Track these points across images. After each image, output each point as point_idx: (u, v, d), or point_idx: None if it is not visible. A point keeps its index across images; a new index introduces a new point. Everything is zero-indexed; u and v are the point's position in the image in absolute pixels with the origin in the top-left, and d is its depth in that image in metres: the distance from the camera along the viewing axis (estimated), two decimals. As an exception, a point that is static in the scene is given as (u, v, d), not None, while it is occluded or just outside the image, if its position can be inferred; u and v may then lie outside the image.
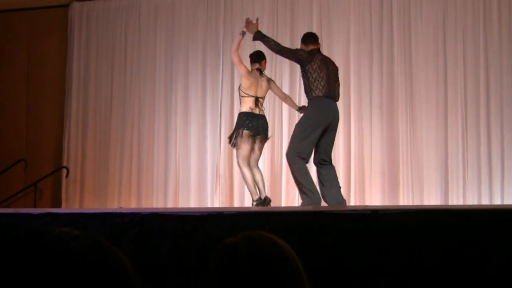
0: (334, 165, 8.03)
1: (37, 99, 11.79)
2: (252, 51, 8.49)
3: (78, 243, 1.25)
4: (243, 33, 8.06)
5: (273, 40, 7.99)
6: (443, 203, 9.53)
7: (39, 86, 11.81)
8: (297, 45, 9.97)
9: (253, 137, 8.06)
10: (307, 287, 1.77)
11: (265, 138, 8.14)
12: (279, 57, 8.97)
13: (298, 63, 7.94)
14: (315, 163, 7.87)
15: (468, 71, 9.82)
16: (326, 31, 10.39)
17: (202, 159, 10.78)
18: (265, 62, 8.34)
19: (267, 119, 8.31)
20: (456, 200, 9.58)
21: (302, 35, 8.29)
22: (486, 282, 1.61)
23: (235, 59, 8.23)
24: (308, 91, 7.79)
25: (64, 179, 11.25)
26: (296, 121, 8.36)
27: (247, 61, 8.35)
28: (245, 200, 10.40)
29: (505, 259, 1.61)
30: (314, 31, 10.17)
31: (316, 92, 7.71)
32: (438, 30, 10.02)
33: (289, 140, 7.92)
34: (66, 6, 11.84)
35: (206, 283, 1.73)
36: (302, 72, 7.88)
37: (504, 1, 9.80)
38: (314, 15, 10.53)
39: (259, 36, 7.89)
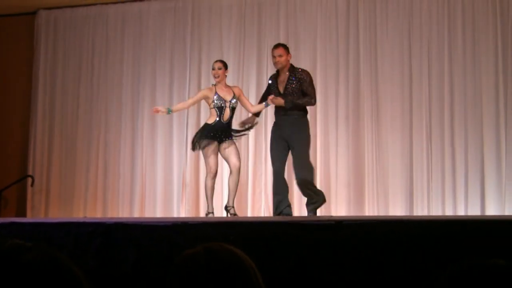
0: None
1: (2, 107, 11.68)
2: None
3: (30, 256, 1.23)
4: (267, 105, 8.25)
5: (303, 101, 8.05)
6: (408, 214, 9.58)
7: (5, 93, 11.70)
8: (264, 53, 10.04)
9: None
10: (266, 299, 1.78)
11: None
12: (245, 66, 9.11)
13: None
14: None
15: (433, 82, 9.91)
16: (293, 41, 10.41)
17: (169, 168, 10.76)
18: None
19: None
20: (421, 210, 9.64)
21: (285, 45, 8.35)
22: None
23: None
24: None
25: (29, 188, 11.15)
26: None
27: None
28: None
29: (455, 272, 1.63)
30: (281, 40, 10.24)
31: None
32: (403, 41, 10.10)
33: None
34: (33, 13, 11.75)
35: (165, 295, 1.73)
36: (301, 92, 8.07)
37: (468, 13, 9.90)
38: (281, 24, 10.56)
39: (289, 104, 7.97)
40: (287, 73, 8.08)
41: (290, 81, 8.02)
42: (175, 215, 10.45)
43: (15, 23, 11.88)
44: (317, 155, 10.08)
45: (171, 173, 10.73)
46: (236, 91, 8.40)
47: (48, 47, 11.60)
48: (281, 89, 8.03)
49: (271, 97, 7.98)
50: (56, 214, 10.95)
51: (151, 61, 11.11)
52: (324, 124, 10.18)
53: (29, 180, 11.14)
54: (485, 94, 9.69)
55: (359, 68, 10.20)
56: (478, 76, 9.75)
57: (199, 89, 10.76)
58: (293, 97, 7.95)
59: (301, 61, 10.20)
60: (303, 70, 8.23)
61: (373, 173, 9.91)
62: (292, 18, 10.55)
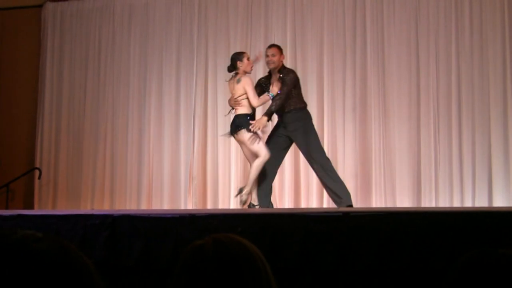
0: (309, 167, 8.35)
1: (9, 100, 11.69)
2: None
3: (41, 245, 1.24)
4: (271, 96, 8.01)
5: (276, 102, 7.94)
6: (415, 205, 9.57)
7: (12, 86, 11.71)
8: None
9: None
10: (274, 289, 1.77)
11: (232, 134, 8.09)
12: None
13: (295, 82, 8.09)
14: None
15: (440, 74, 9.88)
16: (300, 34, 10.41)
17: (176, 160, 10.76)
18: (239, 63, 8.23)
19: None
20: (429, 202, 9.63)
21: (279, 46, 8.29)
22: (450, 282, 1.63)
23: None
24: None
25: (36, 180, 11.17)
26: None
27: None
28: (218, 202, 10.41)
29: (468, 260, 1.63)
30: (288, 34, 10.24)
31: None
32: (410, 33, 10.08)
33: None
34: (40, 6, 11.75)
35: (173, 285, 1.73)
36: (295, 89, 8.09)
37: (475, 4, 9.88)
38: (288, 17, 10.54)
39: (270, 116, 7.98)
40: (278, 73, 8.06)
41: (280, 80, 8.00)
42: (182, 207, 10.46)
43: (22, 15, 11.88)
44: (325, 147, 10.04)
45: (178, 165, 10.74)
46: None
47: (55, 40, 11.60)
48: (273, 87, 8.01)
49: (251, 127, 7.91)
50: (64, 207, 10.96)
51: (158, 53, 11.10)
52: (331, 116, 10.17)
53: (37, 172, 11.16)
54: (493, 84, 9.67)
55: (366, 59, 10.18)
56: (485, 67, 9.73)
57: (206, 81, 10.78)
58: (270, 107, 7.96)
59: (308, 54, 10.22)
60: (289, 69, 8.22)
61: (380, 164, 9.90)
62: (299, 11, 10.53)
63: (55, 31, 11.63)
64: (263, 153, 7.95)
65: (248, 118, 7.95)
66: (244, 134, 7.92)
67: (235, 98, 7.97)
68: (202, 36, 10.93)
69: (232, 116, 8.04)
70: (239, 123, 7.93)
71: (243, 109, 7.99)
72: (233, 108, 8.13)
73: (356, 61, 10.23)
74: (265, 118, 7.89)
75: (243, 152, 8.19)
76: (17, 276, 1.19)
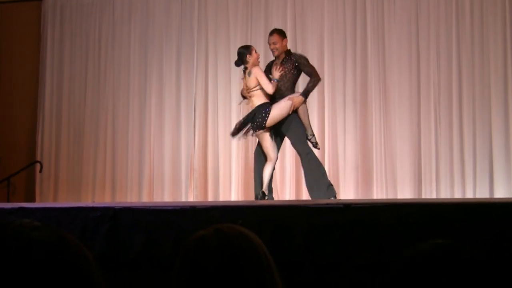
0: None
1: (9, 94, 11.68)
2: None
3: (39, 234, 1.24)
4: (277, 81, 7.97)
5: (311, 84, 8.00)
6: (416, 197, 9.57)
7: (12, 80, 11.70)
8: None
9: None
10: (277, 280, 1.77)
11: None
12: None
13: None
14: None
15: (441, 66, 9.88)
16: (300, 26, 10.40)
17: (177, 153, 10.76)
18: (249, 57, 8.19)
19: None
20: (430, 193, 9.63)
21: (280, 31, 8.27)
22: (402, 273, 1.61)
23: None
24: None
25: (37, 174, 11.17)
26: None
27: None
28: (219, 194, 10.40)
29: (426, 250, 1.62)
30: (288, 26, 10.21)
31: None
32: (411, 25, 10.06)
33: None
34: (40, 0, 11.74)
35: (175, 276, 1.72)
36: (296, 75, 8.06)
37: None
38: (288, 9, 10.53)
39: (306, 96, 7.98)
40: (283, 55, 8.05)
41: (283, 64, 7.97)
42: (183, 199, 10.46)
43: (22, 9, 11.86)
44: (325, 139, 10.07)
45: (179, 157, 10.74)
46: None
47: (55, 34, 11.59)
48: (274, 72, 7.99)
49: (292, 101, 7.88)
50: (65, 200, 10.96)
51: (158, 47, 11.09)
52: (332, 108, 10.16)
53: (38, 166, 11.15)
54: (493, 76, 9.66)
55: (366, 51, 10.17)
56: (486, 58, 9.72)
57: (206, 74, 10.76)
58: (306, 87, 7.97)
59: (308, 46, 10.19)
60: (296, 54, 8.17)
61: (381, 156, 9.90)
62: (299, 3, 10.51)
63: (55, 25, 11.60)
64: (273, 157, 7.95)
65: (270, 106, 7.91)
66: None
67: (249, 90, 7.96)
68: (202, 28, 10.92)
69: (249, 109, 8.05)
70: (265, 113, 7.87)
71: (260, 99, 7.96)
72: (244, 98, 8.14)
73: (356, 53, 10.22)
74: (302, 97, 7.91)
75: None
76: (15, 264, 1.19)
